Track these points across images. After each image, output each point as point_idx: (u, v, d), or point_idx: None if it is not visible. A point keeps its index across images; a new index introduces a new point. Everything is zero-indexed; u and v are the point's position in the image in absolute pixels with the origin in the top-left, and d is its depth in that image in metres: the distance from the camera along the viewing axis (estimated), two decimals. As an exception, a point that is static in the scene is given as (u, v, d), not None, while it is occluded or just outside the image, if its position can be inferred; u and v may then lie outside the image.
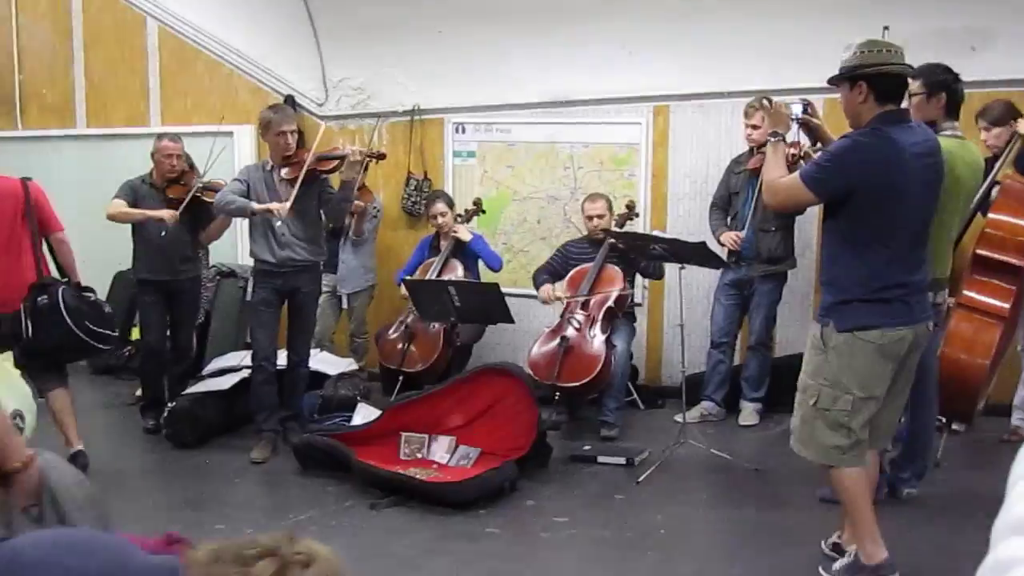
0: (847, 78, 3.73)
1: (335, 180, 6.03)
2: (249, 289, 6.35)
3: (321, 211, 6.02)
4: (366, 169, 6.98)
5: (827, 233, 3.93)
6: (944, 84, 4.49)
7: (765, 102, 4.18)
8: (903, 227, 3.67)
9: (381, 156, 6.34)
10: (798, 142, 5.44)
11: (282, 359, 6.11)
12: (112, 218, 6.28)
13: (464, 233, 6.77)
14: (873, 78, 3.68)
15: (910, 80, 4.56)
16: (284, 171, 5.83)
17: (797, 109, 4.17)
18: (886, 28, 5.01)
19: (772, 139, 3.99)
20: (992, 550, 0.57)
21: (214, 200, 5.92)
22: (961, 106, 4.53)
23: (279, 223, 5.72)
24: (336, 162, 5.85)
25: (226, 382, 6.23)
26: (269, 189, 5.83)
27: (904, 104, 3.84)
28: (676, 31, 6.72)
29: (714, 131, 6.85)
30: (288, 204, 5.63)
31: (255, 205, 5.70)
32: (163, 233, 6.17)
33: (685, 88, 6.94)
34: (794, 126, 4.28)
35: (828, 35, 5.98)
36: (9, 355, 4.37)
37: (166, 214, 6.14)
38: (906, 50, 5.65)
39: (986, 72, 6.13)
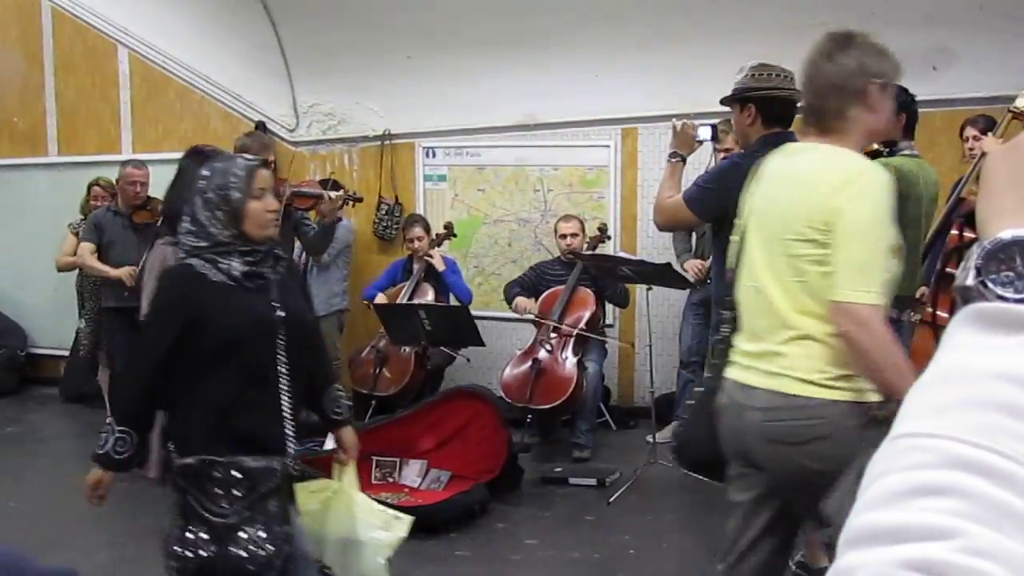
0: (737, 100, 3.79)
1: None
2: None
3: (296, 240, 6.02)
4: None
5: (712, 252, 4.00)
6: (904, 105, 4.54)
7: (674, 121, 4.19)
8: None
9: (358, 200, 6.38)
10: None
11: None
12: (64, 267, 6.45)
13: (438, 262, 6.79)
14: (761, 101, 3.74)
15: None
16: None
17: (704, 132, 4.16)
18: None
19: (672, 159, 4.03)
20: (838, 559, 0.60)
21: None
22: (916, 125, 4.59)
23: None
24: (312, 200, 5.87)
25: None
26: None
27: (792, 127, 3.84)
28: (643, 54, 6.79)
29: (682, 152, 6.90)
30: None
31: None
32: (125, 294, 6.20)
33: (653, 110, 6.99)
34: (700, 147, 4.28)
35: (794, 58, 6.06)
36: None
37: (123, 274, 6.15)
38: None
39: (948, 91, 6.22)
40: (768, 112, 3.76)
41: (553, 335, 6.29)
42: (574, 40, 6.85)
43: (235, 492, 2.81)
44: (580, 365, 6.19)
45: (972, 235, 5.12)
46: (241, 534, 2.80)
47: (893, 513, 0.57)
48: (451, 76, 7.28)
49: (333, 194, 5.85)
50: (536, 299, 6.53)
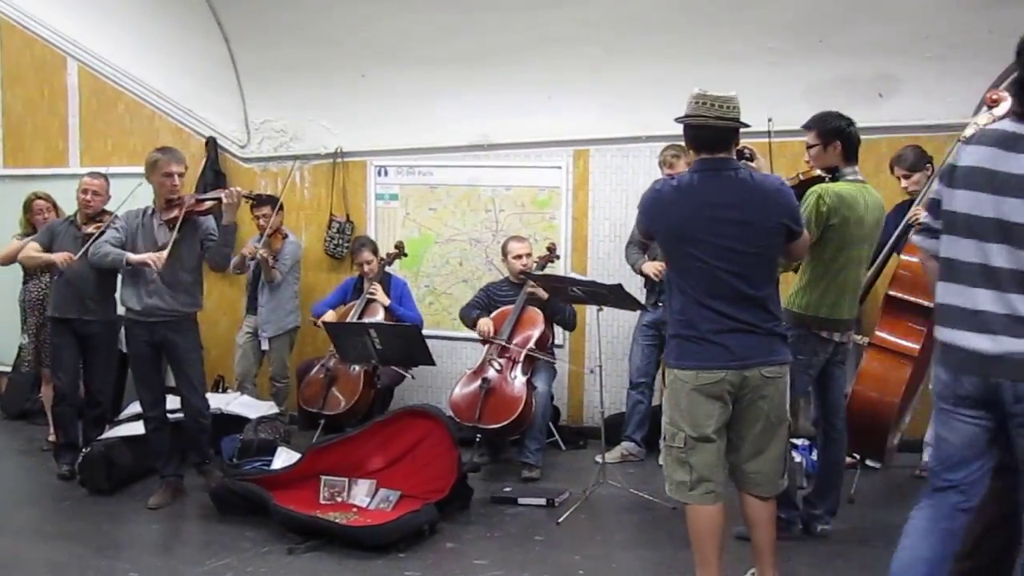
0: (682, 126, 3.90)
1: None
2: (122, 338, 6.19)
3: (203, 257, 5.84)
4: (280, 210, 7.01)
5: (666, 267, 4.13)
6: (838, 131, 4.59)
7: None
8: (695, 273, 3.76)
9: (257, 198, 6.32)
10: None
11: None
12: (2, 259, 6.44)
13: (383, 298, 6.77)
14: (691, 128, 3.83)
15: (806, 131, 4.71)
16: (165, 214, 5.68)
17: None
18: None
19: None
20: None
21: (89, 252, 5.80)
22: (858, 148, 4.64)
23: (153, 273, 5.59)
24: (212, 203, 5.69)
25: (142, 427, 6.11)
26: (146, 235, 5.68)
27: (728, 154, 3.85)
28: (596, 77, 6.85)
29: (633, 174, 6.97)
30: (164, 254, 5.49)
31: (130, 256, 5.55)
32: (55, 276, 6.23)
33: (605, 132, 7.06)
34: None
35: (745, 82, 6.13)
36: None
37: (58, 257, 6.08)
38: (816, 96, 5.88)
39: (893, 118, 6.34)
40: (691, 138, 3.86)
41: (502, 355, 6.30)
42: (527, 61, 6.90)
43: None
44: (529, 385, 6.20)
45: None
46: None
47: None
48: (404, 95, 7.29)
49: (230, 190, 5.68)
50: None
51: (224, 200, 5.57)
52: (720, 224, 3.72)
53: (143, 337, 5.68)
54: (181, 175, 5.68)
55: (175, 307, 5.66)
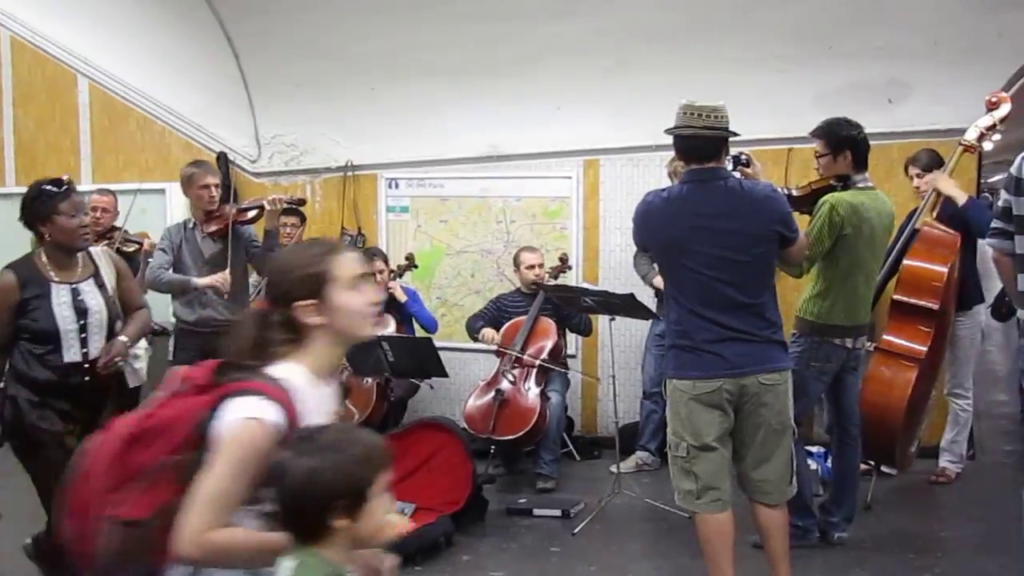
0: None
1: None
2: (170, 348, 6.21)
3: (248, 265, 5.95)
4: (303, 220, 7.05)
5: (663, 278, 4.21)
6: (848, 141, 4.58)
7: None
8: (689, 284, 3.78)
9: (300, 202, 6.36)
10: None
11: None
12: None
13: (399, 294, 6.79)
14: (675, 138, 3.84)
15: (815, 139, 4.70)
16: (207, 227, 5.77)
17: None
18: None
19: None
20: None
21: (146, 279, 5.84)
22: (868, 155, 4.63)
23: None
24: (255, 211, 5.84)
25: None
26: (192, 249, 5.75)
27: (719, 164, 3.86)
28: (605, 86, 6.84)
29: (644, 184, 6.92)
30: (228, 274, 5.59)
31: (197, 281, 5.63)
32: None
33: (615, 141, 7.05)
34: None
35: (755, 89, 6.15)
36: None
37: None
38: (826, 103, 5.87)
39: (903, 123, 6.33)
40: (680, 149, 3.89)
41: (516, 366, 6.29)
42: (537, 72, 6.90)
43: None
44: (543, 395, 6.19)
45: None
46: None
47: None
48: (414, 107, 7.29)
49: (272, 197, 5.82)
50: (498, 331, 6.54)
51: (267, 207, 5.72)
52: (711, 234, 3.74)
53: (195, 348, 5.74)
54: (217, 186, 5.79)
55: (230, 317, 5.73)
